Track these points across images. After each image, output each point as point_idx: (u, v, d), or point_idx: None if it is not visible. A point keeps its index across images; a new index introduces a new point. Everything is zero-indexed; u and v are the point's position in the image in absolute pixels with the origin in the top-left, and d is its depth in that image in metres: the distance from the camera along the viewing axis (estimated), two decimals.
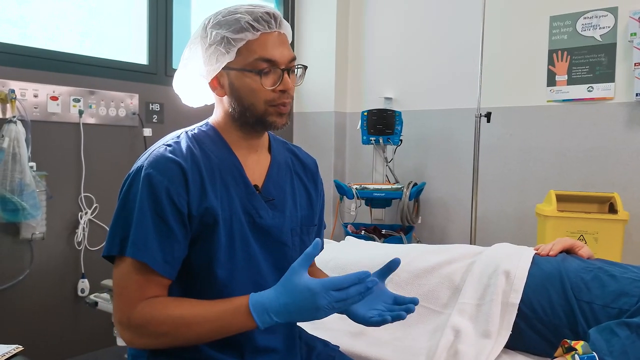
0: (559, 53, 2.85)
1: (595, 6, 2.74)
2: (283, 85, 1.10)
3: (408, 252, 1.56)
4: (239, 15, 1.08)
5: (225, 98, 1.13)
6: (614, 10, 2.68)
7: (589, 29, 2.76)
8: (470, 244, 2.75)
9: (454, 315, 1.33)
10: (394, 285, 1.46)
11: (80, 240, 2.52)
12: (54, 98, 2.42)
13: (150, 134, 2.74)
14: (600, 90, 2.73)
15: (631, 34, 2.58)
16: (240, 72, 1.09)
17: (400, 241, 2.86)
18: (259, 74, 1.08)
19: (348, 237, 2.03)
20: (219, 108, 1.18)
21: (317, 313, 0.94)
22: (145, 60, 2.85)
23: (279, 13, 1.13)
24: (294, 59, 1.13)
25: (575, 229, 2.44)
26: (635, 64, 2.57)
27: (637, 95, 2.56)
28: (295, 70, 1.16)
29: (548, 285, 1.29)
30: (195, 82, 1.20)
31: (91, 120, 2.56)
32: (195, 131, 1.16)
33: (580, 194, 2.60)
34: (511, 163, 3.01)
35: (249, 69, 1.08)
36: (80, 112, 2.49)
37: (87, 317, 2.56)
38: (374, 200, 3.03)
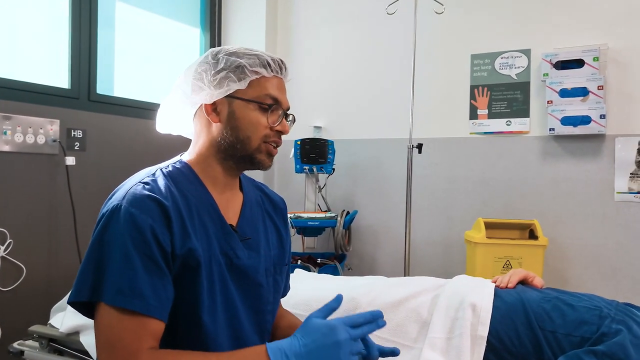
0: (479, 89, 3.05)
1: (510, 47, 2.98)
2: (282, 126, 1.13)
3: (370, 286, 1.57)
4: (258, 53, 1.12)
5: (217, 125, 1.11)
6: (527, 52, 2.93)
7: (506, 68, 2.99)
8: (404, 271, 2.83)
9: (425, 350, 1.35)
10: None
11: None
12: None
13: (74, 163, 2.55)
14: (517, 124, 2.96)
15: (544, 74, 2.83)
16: (247, 103, 1.09)
17: (335, 270, 2.87)
18: (268, 109, 1.10)
19: (297, 270, 2.00)
20: (203, 138, 1.14)
21: (338, 350, 0.91)
22: (66, 84, 2.66)
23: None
24: (289, 107, 1.17)
25: (502, 255, 2.60)
26: (547, 101, 2.81)
27: (550, 130, 2.80)
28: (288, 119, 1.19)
29: (513, 316, 1.35)
30: (178, 109, 1.18)
31: (6, 148, 2.33)
32: (170, 168, 1.12)
33: (504, 221, 2.78)
34: (437, 192, 3.16)
35: (258, 101, 1.09)
36: None
37: None
38: (307, 228, 3.02)
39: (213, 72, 1.09)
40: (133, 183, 1.04)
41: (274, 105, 1.11)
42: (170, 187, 1.05)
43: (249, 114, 1.09)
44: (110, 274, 0.93)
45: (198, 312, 1.02)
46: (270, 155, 1.13)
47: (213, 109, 1.11)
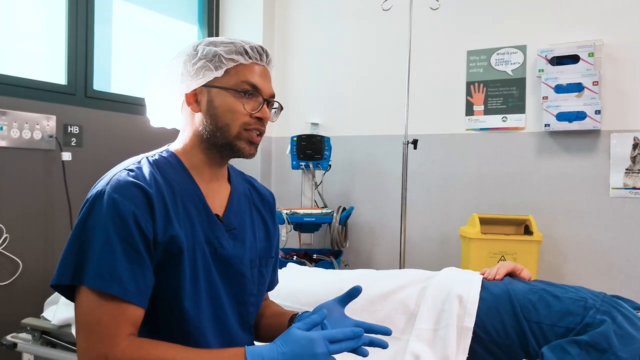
0: (475, 85, 3.05)
1: (506, 43, 2.98)
2: (262, 113, 1.12)
3: (360, 278, 1.58)
4: (236, 41, 1.12)
5: (198, 115, 1.12)
6: (523, 48, 2.93)
7: (502, 64, 2.99)
8: (400, 267, 2.83)
9: (412, 341, 1.36)
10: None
11: None
12: None
13: (70, 158, 2.56)
14: (513, 120, 2.96)
15: (539, 70, 2.83)
16: (224, 91, 1.10)
17: (331, 265, 2.88)
18: (244, 95, 1.09)
19: (290, 264, 2.01)
20: (188, 128, 1.15)
21: None
22: (63, 80, 2.68)
23: (270, 52, 1.18)
24: (274, 95, 1.16)
25: (497, 250, 2.60)
26: (543, 97, 2.81)
27: (545, 126, 2.80)
28: (273, 107, 1.19)
29: (499, 307, 1.36)
30: (165, 101, 1.19)
31: (2, 143, 2.35)
32: (156, 157, 1.13)
33: (499, 216, 2.78)
34: (433, 187, 3.16)
35: (234, 88, 1.09)
36: None
37: None
38: (303, 225, 3.03)
39: (192, 62, 1.11)
40: (118, 170, 1.05)
41: (251, 92, 1.10)
42: (155, 174, 1.06)
43: (226, 102, 1.09)
44: (92, 258, 0.94)
45: (180, 299, 1.03)
46: (252, 143, 1.12)
47: (195, 99, 1.12)
